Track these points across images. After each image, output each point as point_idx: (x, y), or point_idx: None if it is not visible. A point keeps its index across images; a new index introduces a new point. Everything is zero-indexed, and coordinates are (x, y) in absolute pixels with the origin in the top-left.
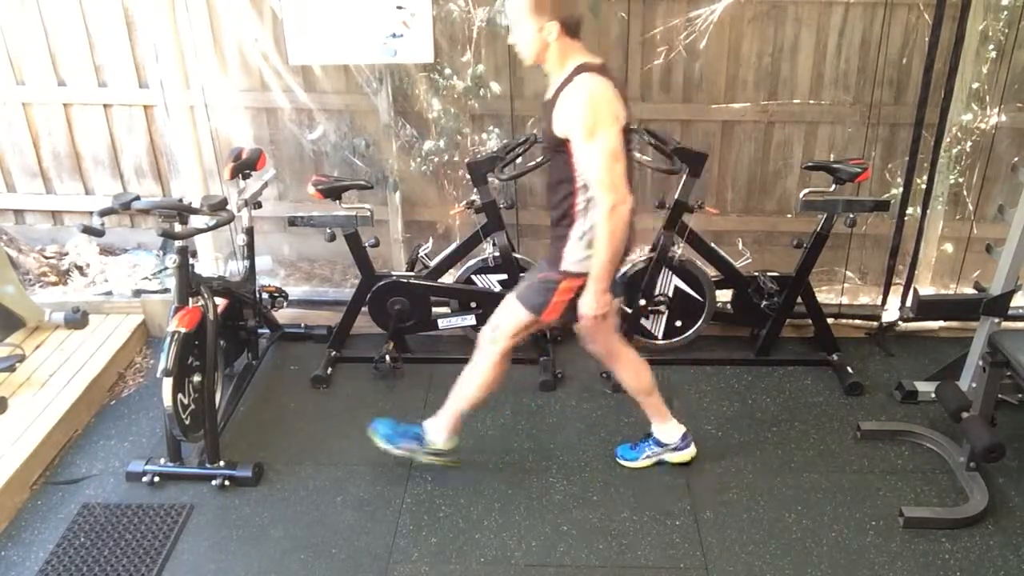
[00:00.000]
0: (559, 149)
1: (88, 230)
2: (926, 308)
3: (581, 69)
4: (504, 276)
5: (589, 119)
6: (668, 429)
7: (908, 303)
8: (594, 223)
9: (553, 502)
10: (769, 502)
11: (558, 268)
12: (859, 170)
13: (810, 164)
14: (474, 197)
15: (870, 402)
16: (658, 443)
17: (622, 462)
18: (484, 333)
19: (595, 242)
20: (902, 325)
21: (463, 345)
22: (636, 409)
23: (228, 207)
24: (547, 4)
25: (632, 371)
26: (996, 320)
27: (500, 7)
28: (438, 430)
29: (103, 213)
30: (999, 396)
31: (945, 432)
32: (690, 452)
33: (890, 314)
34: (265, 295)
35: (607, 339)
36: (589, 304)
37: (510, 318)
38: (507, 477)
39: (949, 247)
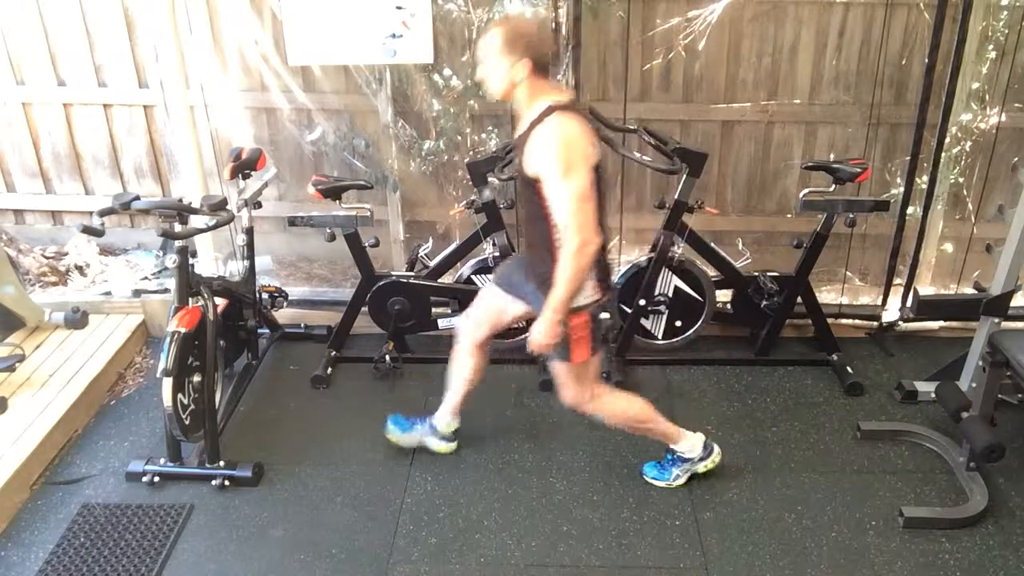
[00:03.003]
0: (529, 186)
1: (88, 230)
2: (926, 308)
3: (552, 109)
4: None
5: (560, 160)
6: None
7: (908, 303)
8: (563, 261)
9: (553, 502)
10: (769, 502)
11: None
12: (859, 170)
13: (810, 164)
14: (474, 197)
15: (870, 402)
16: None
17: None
18: (571, 404)
19: (558, 275)
20: (902, 325)
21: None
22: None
23: (228, 207)
24: (519, 43)
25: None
26: (996, 320)
27: (500, 7)
28: (681, 446)
29: (103, 213)
30: (999, 396)
31: (945, 432)
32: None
33: (890, 314)
34: (265, 295)
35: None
36: (540, 332)
37: (564, 379)
38: (507, 477)
39: (949, 247)
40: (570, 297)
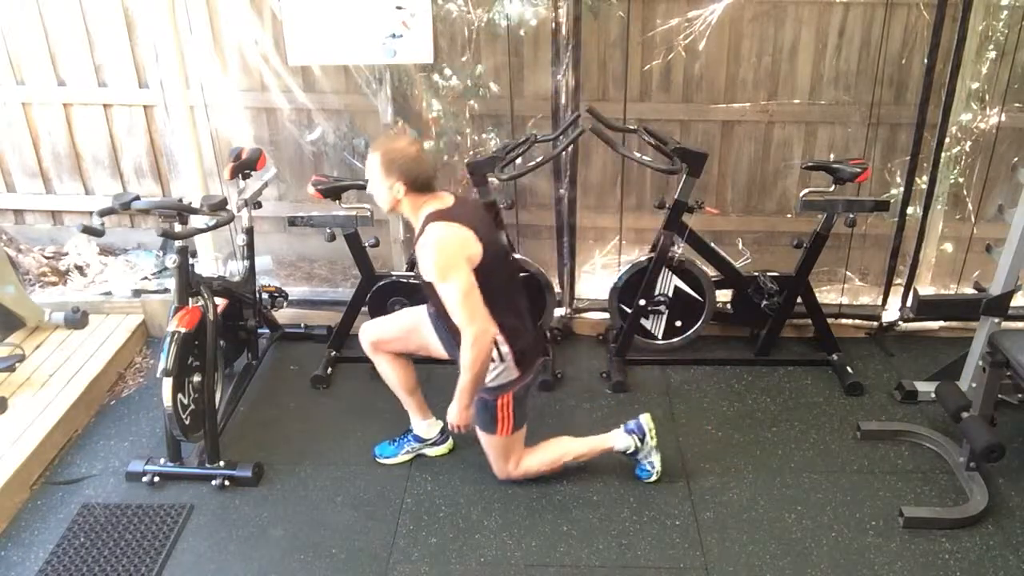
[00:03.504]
0: (430, 286)
1: (88, 230)
2: (926, 308)
3: (431, 218)
4: None
5: (437, 266)
6: (426, 426)
7: (908, 303)
8: (463, 350)
9: (553, 502)
10: (769, 502)
11: (484, 388)
12: (859, 170)
13: (810, 164)
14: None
15: (870, 402)
16: (418, 439)
17: (381, 460)
18: (500, 476)
19: (461, 363)
20: (902, 325)
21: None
22: (633, 408)
23: (228, 207)
24: (393, 167)
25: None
26: (996, 320)
27: (500, 7)
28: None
29: (103, 213)
30: (999, 396)
31: (945, 432)
32: (447, 447)
33: (890, 314)
34: (265, 295)
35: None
36: (453, 414)
37: (492, 451)
38: None
39: (949, 247)
40: (475, 382)
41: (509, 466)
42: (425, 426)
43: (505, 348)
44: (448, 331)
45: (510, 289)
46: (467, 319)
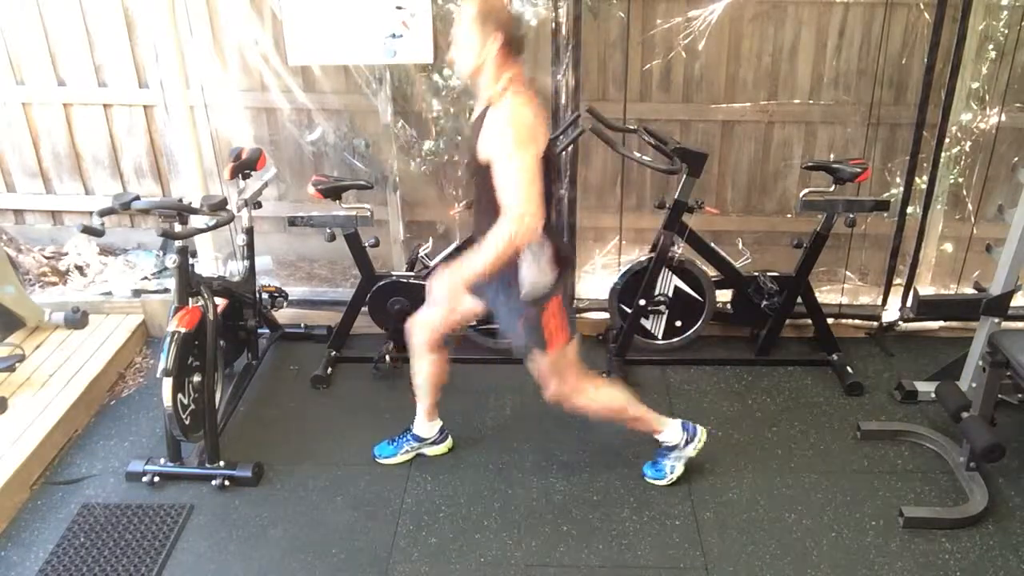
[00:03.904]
0: (481, 173)
1: (88, 230)
2: (926, 308)
3: (514, 90)
4: None
5: (514, 138)
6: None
7: (908, 303)
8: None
9: (553, 502)
10: (769, 502)
11: (521, 299)
12: (859, 170)
13: (810, 164)
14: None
15: (870, 402)
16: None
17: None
18: (553, 398)
19: (487, 238)
20: (902, 325)
21: (463, 345)
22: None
23: (228, 207)
24: (492, 18)
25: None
26: (996, 320)
27: None
28: (670, 436)
29: (103, 213)
30: (999, 396)
31: (945, 432)
32: (702, 434)
33: (890, 314)
34: (265, 295)
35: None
36: (438, 283)
37: (546, 370)
38: (507, 477)
39: (949, 247)
40: (487, 267)
41: (566, 387)
42: (428, 426)
43: (547, 247)
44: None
45: (549, 193)
46: (520, 199)
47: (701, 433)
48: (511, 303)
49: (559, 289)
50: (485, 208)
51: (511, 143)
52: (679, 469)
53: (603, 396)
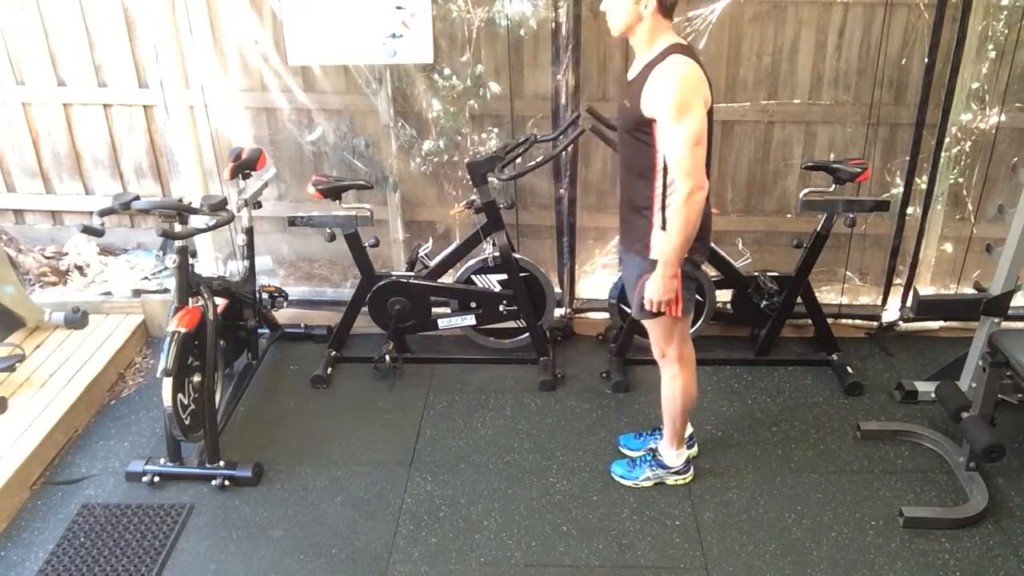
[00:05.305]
0: (640, 131)
1: (88, 230)
2: (926, 308)
3: (672, 49)
4: (504, 276)
5: (679, 100)
6: (675, 454)
7: (908, 303)
8: (675, 207)
9: (553, 502)
10: (769, 502)
11: (651, 260)
12: (859, 170)
13: (810, 164)
14: (474, 197)
15: (870, 402)
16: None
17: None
18: (657, 356)
19: (668, 226)
20: (902, 325)
21: (463, 345)
22: (633, 408)
23: (228, 207)
24: None
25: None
26: (996, 320)
27: (500, 7)
28: (669, 452)
29: (103, 213)
30: (999, 396)
31: (945, 432)
32: (690, 476)
33: (890, 314)
34: (265, 295)
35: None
36: (655, 289)
37: (657, 333)
38: (507, 477)
39: (949, 247)
40: (684, 246)
41: (670, 349)
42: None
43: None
44: (630, 208)
45: (710, 154)
46: (689, 170)
47: (690, 475)
48: (645, 264)
49: (687, 264)
50: (632, 167)
51: (680, 107)
52: (649, 484)
53: (692, 381)
